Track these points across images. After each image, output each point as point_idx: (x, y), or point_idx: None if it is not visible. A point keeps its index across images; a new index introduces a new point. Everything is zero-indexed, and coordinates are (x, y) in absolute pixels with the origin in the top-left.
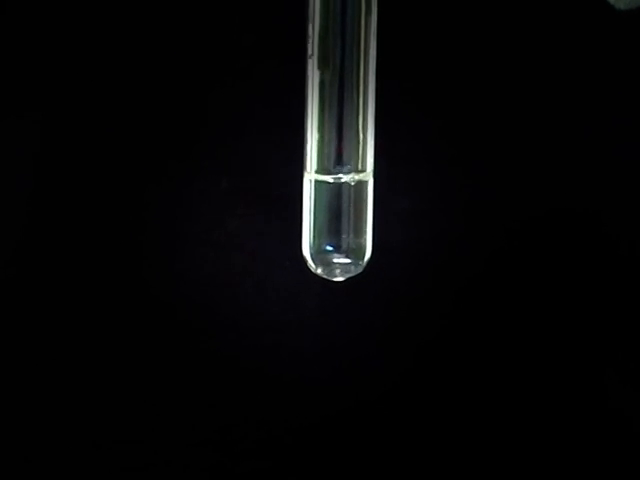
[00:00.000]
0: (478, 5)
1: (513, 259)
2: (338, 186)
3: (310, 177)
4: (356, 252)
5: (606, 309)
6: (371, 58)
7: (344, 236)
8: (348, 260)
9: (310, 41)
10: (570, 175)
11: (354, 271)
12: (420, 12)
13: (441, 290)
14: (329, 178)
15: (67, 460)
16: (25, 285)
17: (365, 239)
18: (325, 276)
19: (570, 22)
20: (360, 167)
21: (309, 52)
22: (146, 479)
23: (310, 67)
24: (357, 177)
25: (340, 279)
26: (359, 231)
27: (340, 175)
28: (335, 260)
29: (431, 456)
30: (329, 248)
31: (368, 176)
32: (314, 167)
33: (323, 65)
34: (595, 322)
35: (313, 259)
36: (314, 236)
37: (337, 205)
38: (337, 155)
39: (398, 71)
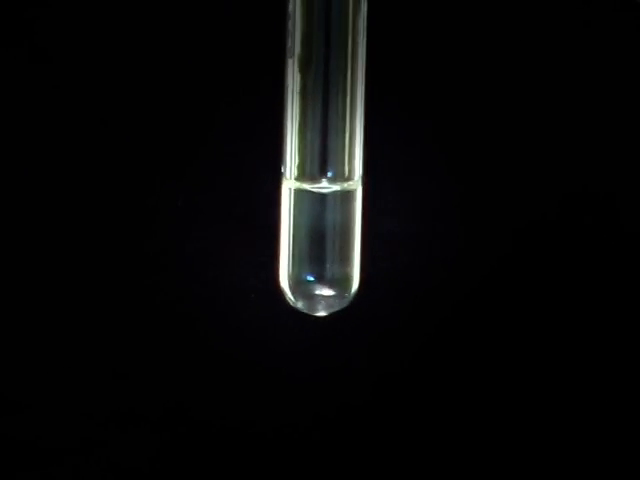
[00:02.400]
0: (468, 8)
1: (505, 283)
2: (321, 196)
3: (290, 185)
4: (341, 283)
5: (602, 324)
6: (360, 58)
7: (328, 264)
8: (332, 292)
9: (290, 40)
10: (562, 193)
11: (339, 305)
12: (412, 15)
13: (430, 315)
14: (311, 186)
15: (66, 460)
16: (22, 294)
17: (352, 267)
18: (306, 311)
19: (564, 26)
20: (346, 175)
21: (289, 52)
22: (139, 477)
23: (290, 69)
24: (343, 185)
25: (322, 314)
26: (345, 257)
27: (324, 183)
28: (317, 292)
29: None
30: (310, 278)
31: (356, 185)
32: (294, 174)
33: (305, 67)
34: (592, 338)
35: (292, 291)
36: (293, 264)
37: (320, 219)
38: (320, 161)
39: (387, 82)
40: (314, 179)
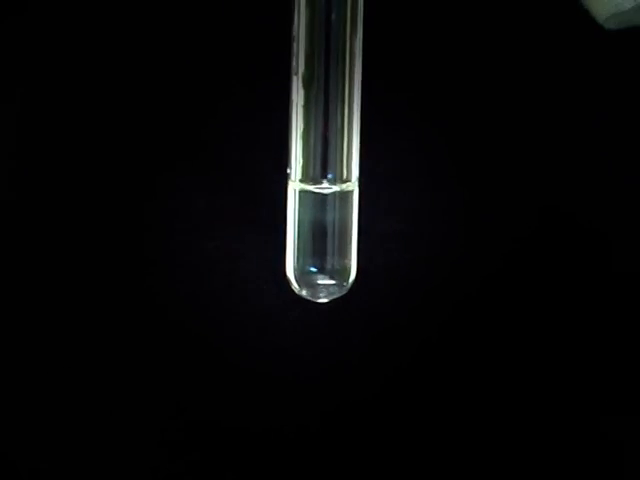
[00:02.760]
0: (466, 21)
1: (500, 281)
2: (322, 196)
3: (294, 186)
4: (340, 273)
5: (599, 330)
6: (356, 75)
7: (328, 257)
8: (332, 281)
9: (295, 59)
10: (563, 193)
11: (338, 292)
12: (407, 25)
13: (425, 312)
14: (313, 187)
15: (66, 461)
16: (19, 299)
17: (350, 259)
18: (309, 297)
19: (564, 31)
20: (345, 177)
21: (294, 70)
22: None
23: (295, 85)
24: (342, 186)
25: (324, 300)
26: (344, 251)
27: (324, 184)
28: (319, 281)
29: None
30: (313, 269)
31: (353, 186)
32: (298, 176)
33: (308, 84)
34: (589, 345)
35: (297, 280)
36: (298, 257)
37: (321, 216)
38: (321, 165)
39: (382, 92)
40: (316, 181)
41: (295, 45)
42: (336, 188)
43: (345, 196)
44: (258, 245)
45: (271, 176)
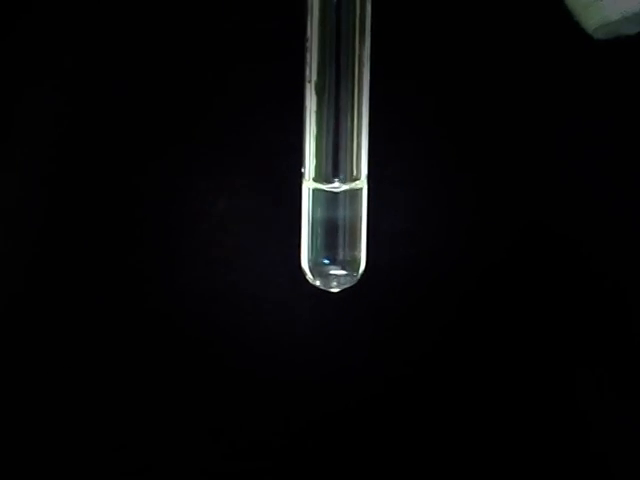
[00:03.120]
0: (473, 19)
1: (503, 275)
2: (334, 194)
3: (308, 185)
4: (351, 264)
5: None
6: (365, 83)
7: (340, 249)
8: (344, 272)
9: (308, 68)
10: (566, 192)
11: (349, 282)
12: (414, 31)
13: (432, 306)
14: (325, 186)
15: (66, 464)
16: (25, 299)
17: (359, 252)
18: (322, 287)
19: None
20: (354, 175)
21: (307, 78)
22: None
23: (308, 92)
24: (351, 185)
25: (336, 290)
26: (354, 244)
27: (335, 183)
28: (332, 272)
29: (421, 465)
30: (326, 261)
31: (362, 184)
32: (312, 176)
33: (321, 91)
34: (586, 336)
35: (311, 271)
36: (312, 250)
37: (333, 212)
38: (333, 166)
39: (389, 95)
40: (328, 180)
41: (308, 55)
42: (346, 187)
43: (354, 194)
44: (274, 243)
45: (286, 178)
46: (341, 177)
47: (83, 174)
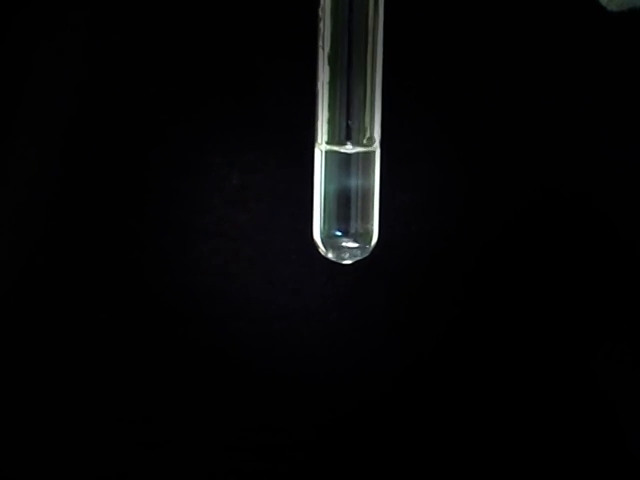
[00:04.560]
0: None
1: (512, 252)
2: (347, 156)
3: (321, 148)
4: (363, 237)
5: (604, 305)
6: (378, 53)
7: (352, 221)
8: (356, 244)
9: (321, 39)
10: (571, 169)
11: (361, 255)
12: (428, 9)
13: (443, 283)
14: (338, 148)
15: (66, 463)
16: (32, 292)
17: (372, 224)
18: (335, 259)
19: (571, 22)
20: (367, 139)
21: (320, 43)
22: (148, 478)
23: (321, 60)
24: (364, 148)
25: (348, 262)
26: (366, 216)
27: (348, 145)
28: (344, 244)
29: (435, 452)
30: (338, 233)
31: (375, 148)
32: (325, 139)
33: (333, 61)
34: (598, 317)
35: (324, 243)
36: (324, 222)
37: (346, 177)
38: (346, 128)
39: (400, 70)
40: (341, 142)
41: (321, 25)
42: (359, 149)
43: (367, 158)
44: (287, 217)
45: (299, 153)
46: (354, 139)
47: (96, 151)
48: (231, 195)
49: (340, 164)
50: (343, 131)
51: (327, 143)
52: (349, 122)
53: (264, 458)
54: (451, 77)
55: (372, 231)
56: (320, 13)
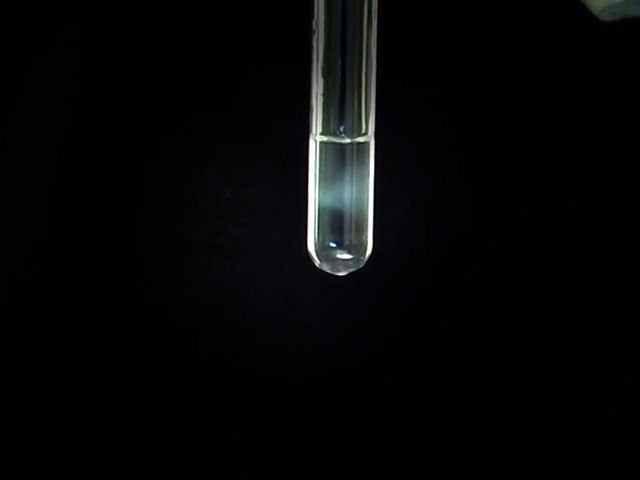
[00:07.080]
0: (480, 6)
1: (507, 263)
2: (341, 146)
3: (316, 138)
4: (358, 248)
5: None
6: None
7: (346, 233)
8: (350, 256)
9: (315, 48)
10: (570, 178)
11: (356, 266)
12: (422, 20)
13: (438, 293)
14: (332, 139)
15: (65, 457)
16: (26, 305)
17: (366, 236)
18: (329, 271)
19: (569, 29)
20: (362, 129)
21: (314, 56)
22: None
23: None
24: (358, 139)
25: (343, 274)
26: (360, 228)
27: (342, 135)
28: (338, 256)
29: (432, 456)
30: (333, 245)
31: (369, 138)
32: (319, 130)
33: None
34: (592, 324)
35: (318, 255)
36: (319, 234)
37: (340, 169)
38: (339, 120)
39: (395, 81)
40: (335, 134)
41: (315, 38)
42: (353, 139)
43: (362, 150)
44: (281, 231)
45: (293, 166)
46: (344, 128)
47: (89, 163)
48: (225, 208)
49: (335, 155)
50: (337, 122)
51: (321, 134)
52: (343, 133)
53: (258, 470)
54: (446, 89)
55: (366, 243)
56: (314, 26)
